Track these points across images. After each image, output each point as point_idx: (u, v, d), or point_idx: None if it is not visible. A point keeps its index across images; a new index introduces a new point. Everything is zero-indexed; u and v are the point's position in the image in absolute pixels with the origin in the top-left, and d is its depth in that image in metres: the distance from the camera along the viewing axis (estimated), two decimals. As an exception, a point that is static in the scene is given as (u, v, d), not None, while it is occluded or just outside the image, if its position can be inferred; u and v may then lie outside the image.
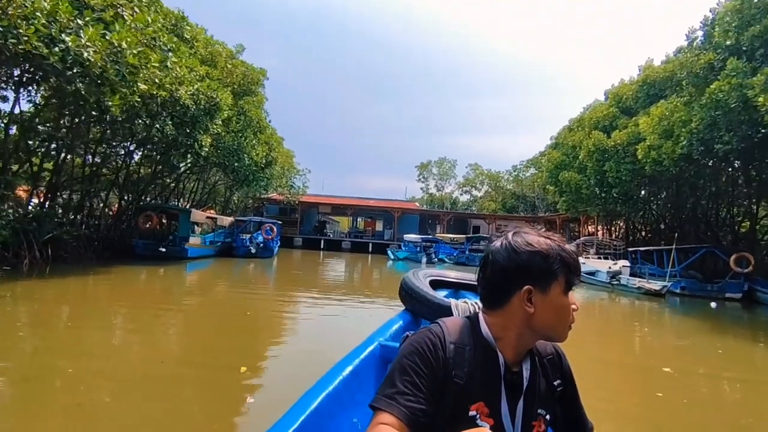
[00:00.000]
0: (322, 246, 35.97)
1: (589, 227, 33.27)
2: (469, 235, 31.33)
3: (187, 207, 22.40)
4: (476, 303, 2.31)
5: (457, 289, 2.97)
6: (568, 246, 1.00)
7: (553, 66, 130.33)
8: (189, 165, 20.11)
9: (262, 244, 21.25)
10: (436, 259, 26.92)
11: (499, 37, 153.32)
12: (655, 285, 15.17)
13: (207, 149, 14.78)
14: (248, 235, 21.94)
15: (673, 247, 15.57)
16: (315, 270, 20.82)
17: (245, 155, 17.62)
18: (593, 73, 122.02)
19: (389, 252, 30.15)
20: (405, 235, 32.35)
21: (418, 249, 30.19)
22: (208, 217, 21.44)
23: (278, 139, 24.59)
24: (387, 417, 0.85)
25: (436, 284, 2.83)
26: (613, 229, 33.05)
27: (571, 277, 0.97)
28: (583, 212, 26.22)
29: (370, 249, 35.92)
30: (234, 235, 21.20)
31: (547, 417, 1.02)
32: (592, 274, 18.89)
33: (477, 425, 0.91)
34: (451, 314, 2.16)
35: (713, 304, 13.29)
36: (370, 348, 1.81)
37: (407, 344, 0.98)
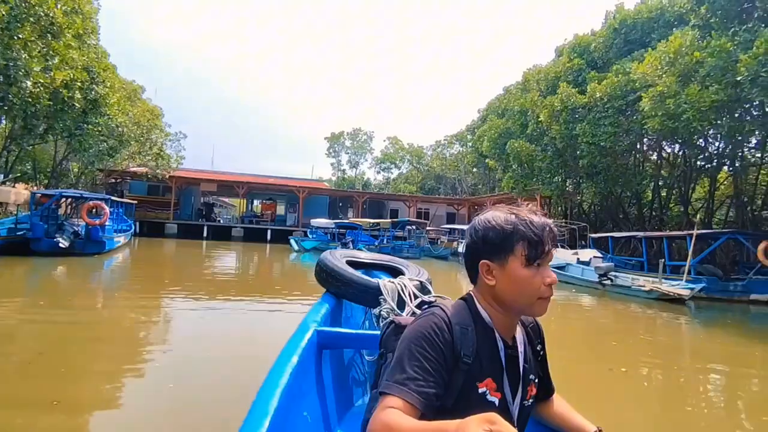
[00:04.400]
0: (205, 234, 27.79)
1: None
2: (394, 220, 25.75)
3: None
4: (401, 281, 2.28)
5: (371, 269, 2.81)
6: (537, 220, 0.99)
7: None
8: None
9: (81, 235, 13.21)
10: (352, 250, 20.81)
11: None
12: (677, 287, 10.75)
13: None
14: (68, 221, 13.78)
15: (695, 232, 11.29)
16: (185, 267, 13.52)
17: (22, 73, 9.59)
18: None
19: (293, 241, 23.34)
20: (313, 220, 25.75)
21: (330, 237, 23.90)
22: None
23: (108, 65, 15.98)
24: (395, 401, 0.85)
25: (352, 265, 2.62)
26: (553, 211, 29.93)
27: (532, 251, 0.96)
28: (531, 191, 21.94)
29: (269, 237, 28.64)
30: (34, 221, 12.80)
31: (536, 381, 1.09)
32: (562, 268, 14.32)
33: (487, 401, 0.95)
34: (379, 294, 2.17)
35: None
36: (308, 335, 1.68)
37: (413, 330, 0.96)
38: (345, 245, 20.91)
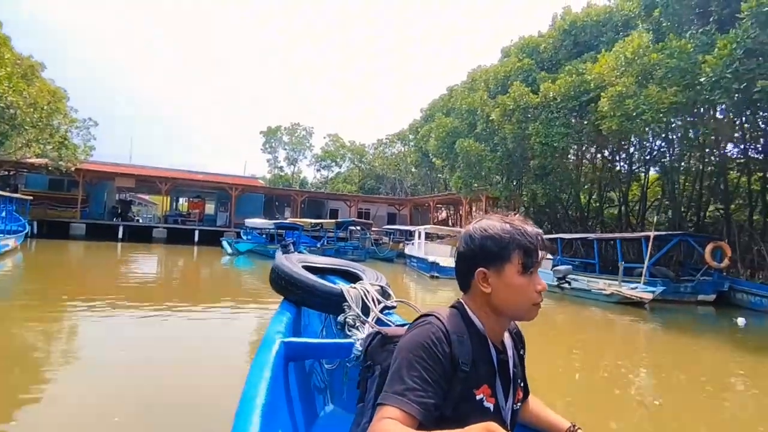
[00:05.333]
0: (121, 235, 24.47)
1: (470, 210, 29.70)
2: (338, 220, 24.29)
3: None
4: (363, 287, 2.21)
5: (327, 274, 2.73)
6: (530, 229, 1.02)
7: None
8: None
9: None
10: (294, 253, 19.14)
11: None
12: (639, 291, 10.57)
13: None
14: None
15: (651, 233, 11.23)
16: (91, 275, 11.11)
17: None
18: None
19: (225, 243, 21.06)
20: (248, 220, 23.59)
21: (267, 238, 22.00)
22: None
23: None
24: (393, 411, 0.84)
25: (308, 270, 2.50)
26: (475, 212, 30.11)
27: (527, 259, 0.99)
28: (478, 192, 21.64)
29: (197, 239, 25.92)
30: None
31: (522, 384, 1.12)
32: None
33: (484, 407, 0.97)
34: (343, 301, 2.11)
35: (741, 321, 9.08)
36: (275, 348, 1.61)
37: (411, 340, 0.96)
38: (285, 247, 19.13)
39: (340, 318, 2.06)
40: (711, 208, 17.37)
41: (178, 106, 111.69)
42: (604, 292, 11.13)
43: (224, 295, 9.81)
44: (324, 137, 42.67)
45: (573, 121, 14.60)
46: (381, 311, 2.10)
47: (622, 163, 19.50)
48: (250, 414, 1.15)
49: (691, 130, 11.61)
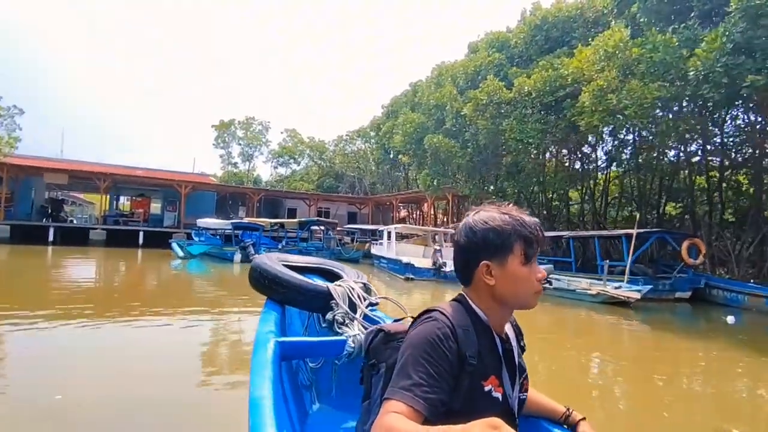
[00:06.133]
0: (51, 238, 21.79)
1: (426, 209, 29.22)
2: (301, 220, 22.87)
3: None
4: (348, 284, 2.22)
5: (307, 273, 2.61)
6: (528, 219, 1.03)
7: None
8: None
9: None
10: (255, 255, 17.69)
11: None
12: (625, 290, 10.30)
13: None
14: None
15: (634, 231, 11.02)
16: (15, 284, 9.24)
17: None
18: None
19: (176, 245, 19.12)
20: (201, 220, 21.76)
21: (223, 240, 20.36)
22: None
23: None
24: (398, 405, 0.84)
25: (288, 269, 2.44)
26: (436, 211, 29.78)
27: (528, 249, 1.00)
28: (445, 190, 21.11)
29: (142, 241, 23.63)
30: None
31: (526, 374, 1.12)
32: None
33: (492, 398, 0.98)
34: (330, 298, 2.11)
35: (731, 319, 8.94)
36: (271, 348, 1.61)
37: (418, 336, 0.95)
38: (245, 249, 17.71)
39: (329, 316, 2.06)
40: (670, 205, 17.89)
41: (116, 101, 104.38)
42: (589, 292, 10.80)
43: (175, 304, 8.44)
44: (281, 132, 40.74)
45: (549, 117, 14.30)
46: (366, 308, 2.14)
47: (585, 161, 19.68)
48: (262, 415, 1.16)
49: (651, 128, 11.58)
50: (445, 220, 28.16)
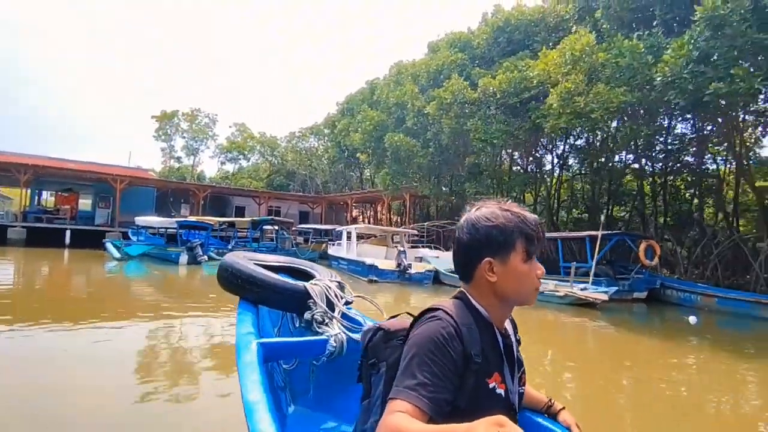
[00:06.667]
0: (-42, 237, 18.99)
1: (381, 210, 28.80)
2: (254, 219, 21.52)
3: None
4: (324, 283, 2.19)
5: (278, 272, 2.45)
6: (530, 216, 1.03)
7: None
8: None
9: None
10: (204, 257, 16.36)
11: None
12: (593, 292, 10.39)
13: None
14: None
15: (599, 233, 11.18)
16: None
17: None
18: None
19: (111, 246, 17.21)
20: (140, 218, 19.90)
21: (166, 239, 18.75)
22: None
23: None
24: (403, 405, 0.84)
25: (261, 268, 2.40)
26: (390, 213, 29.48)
27: (530, 247, 1.01)
28: (402, 190, 20.75)
29: (68, 240, 21.24)
30: None
31: (524, 368, 1.13)
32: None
33: (496, 394, 0.97)
34: (308, 298, 2.07)
35: (692, 319, 9.19)
36: (254, 349, 1.60)
37: (422, 336, 0.94)
38: (192, 250, 16.31)
39: (307, 315, 2.03)
40: (616, 208, 18.74)
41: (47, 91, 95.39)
42: (557, 294, 10.80)
43: (109, 310, 7.29)
44: (230, 126, 38.61)
45: (512, 119, 14.32)
46: (343, 306, 2.12)
47: (537, 164, 20.14)
48: (261, 419, 1.16)
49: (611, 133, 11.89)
50: (398, 220, 27.91)
